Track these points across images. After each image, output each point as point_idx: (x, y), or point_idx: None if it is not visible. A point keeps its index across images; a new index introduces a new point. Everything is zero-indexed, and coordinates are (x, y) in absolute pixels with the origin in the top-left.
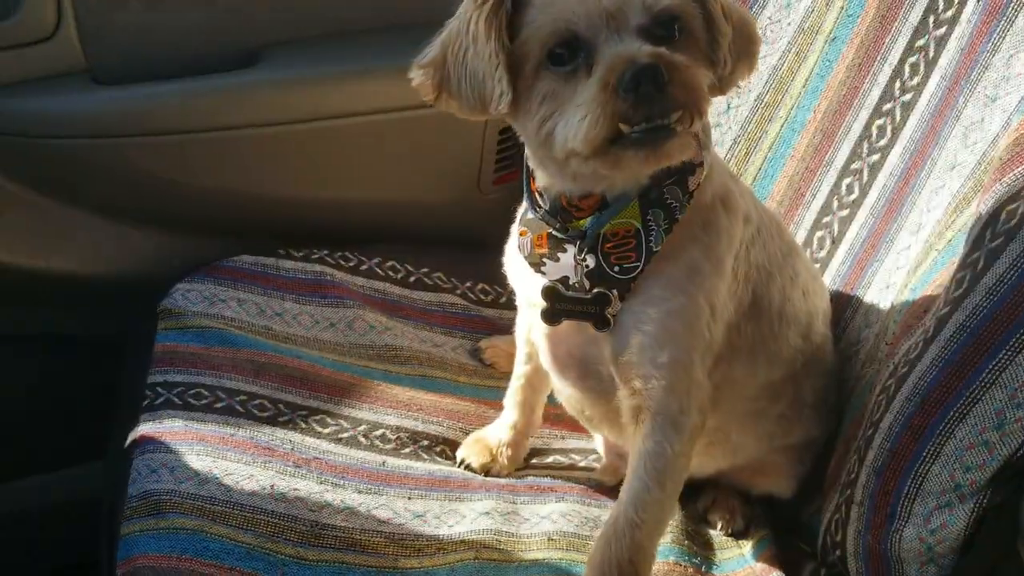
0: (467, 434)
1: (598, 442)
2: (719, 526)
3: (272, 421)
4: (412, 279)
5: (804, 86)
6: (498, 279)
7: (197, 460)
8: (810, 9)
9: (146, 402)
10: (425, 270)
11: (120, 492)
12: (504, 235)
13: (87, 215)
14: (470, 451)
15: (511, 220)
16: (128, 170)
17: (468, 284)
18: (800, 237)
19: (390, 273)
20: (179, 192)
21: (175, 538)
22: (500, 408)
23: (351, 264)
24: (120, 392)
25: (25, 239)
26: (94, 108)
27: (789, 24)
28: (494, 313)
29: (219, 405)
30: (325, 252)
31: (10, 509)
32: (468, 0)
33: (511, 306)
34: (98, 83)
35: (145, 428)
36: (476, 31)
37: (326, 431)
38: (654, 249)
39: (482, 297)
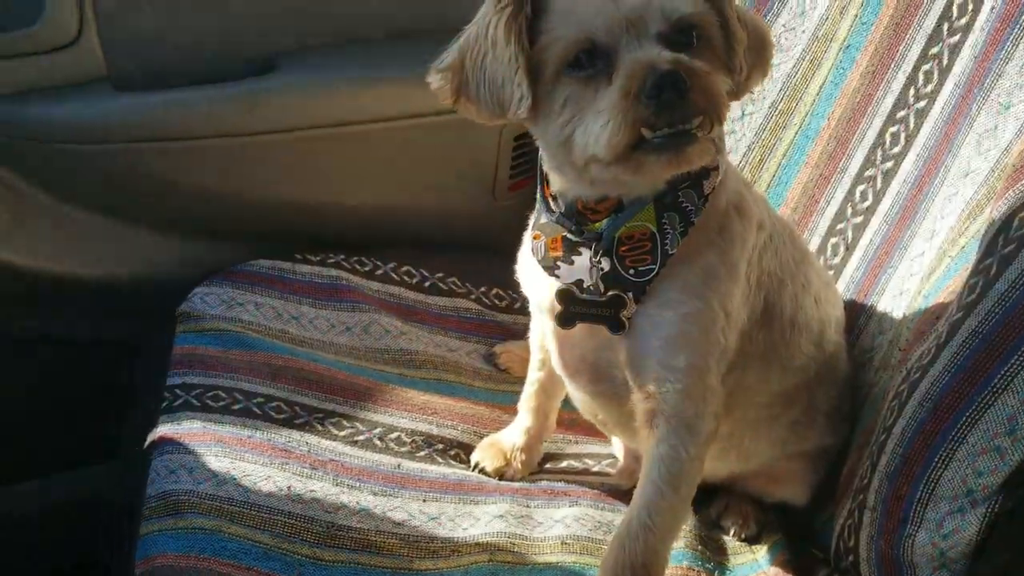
0: (481, 438)
1: (616, 445)
2: (732, 531)
3: (289, 423)
4: (427, 284)
5: (818, 93)
6: (512, 284)
7: (215, 461)
8: (824, 17)
9: (164, 404)
10: (440, 275)
11: (138, 492)
12: (518, 241)
13: (106, 220)
14: (484, 455)
15: (525, 226)
16: (147, 176)
17: (482, 289)
18: (814, 244)
19: (405, 278)
20: (197, 198)
21: (194, 538)
22: (514, 412)
23: (366, 269)
24: (135, 395)
25: (45, 243)
26: (114, 114)
27: (803, 32)
28: (508, 318)
29: (237, 407)
30: (341, 257)
31: (17, 510)
32: (488, 5)
33: (525, 311)
34: (118, 90)
35: (163, 429)
36: (496, 36)
37: (342, 434)
38: (670, 252)
39: (496, 302)
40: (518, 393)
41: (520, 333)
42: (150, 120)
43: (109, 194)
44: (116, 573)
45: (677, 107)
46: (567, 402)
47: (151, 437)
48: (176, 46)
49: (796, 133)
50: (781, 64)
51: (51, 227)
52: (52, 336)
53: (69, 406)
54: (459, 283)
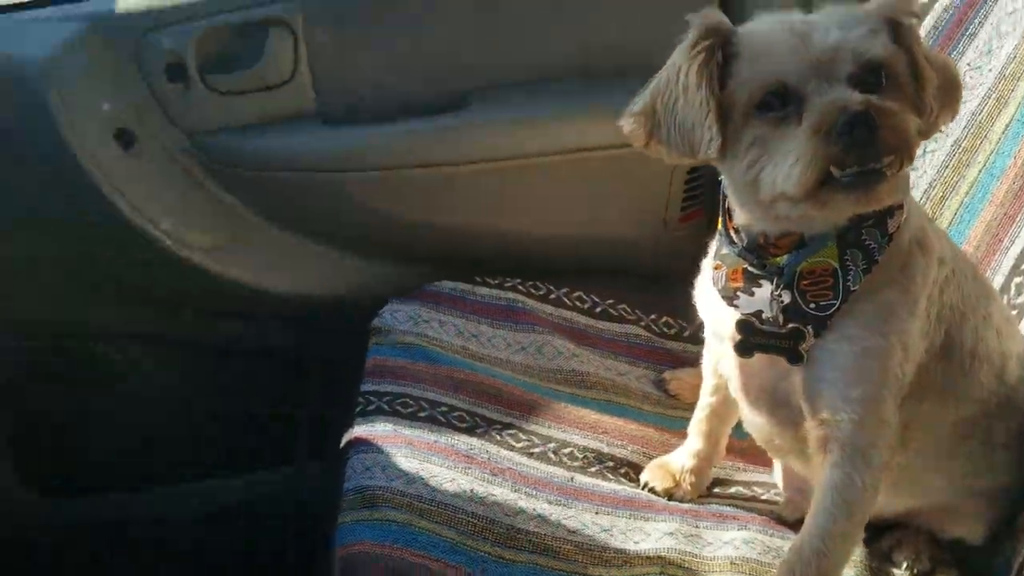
0: (650, 459)
1: (777, 477)
2: (904, 566)
3: (470, 432)
4: (598, 309)
5: (1004, 132)
6: (682, 313)
7: (405, 461)
8: (1012, 56)
9: (359, 408)
10: (611, 301)
11: (338, 486)
12: (688, 271)
13: (311, 242)
14: (654, 475)
15: (695, 256)
16: (347, 202)
17: (652, 317)
18: (997, 282)
19: (577, 303)
20: (391, 222)
21: (387, 529)
22: (683, 437)
23: (541, 293)
24: (336, 399)
25: (257, 261)
26: (321, 146)
27: (990, 70)
28: (677, 346)
29: (423, 414)
30: (518, 281)
31: (229, 502)
32: (679, 52)
33: (695, 340)
34: (326, 124)
35: (359, 431)
36: (687, 82)
37: (518, 445)
38: (851, 288)
39: (665, 330)
40: (686, 419)
41: (689, 361)
42: (353, 151)
43: (313, 218)
44: (318, 561)
45: (867, 145)
46: (736, 430)
47: (347, 437)
48: (378, 84)
49: (980, 171)
50: (966, 102)
51: (262, 246)
52: (263, 346)
53: (275, 409)
54: (629, 310)
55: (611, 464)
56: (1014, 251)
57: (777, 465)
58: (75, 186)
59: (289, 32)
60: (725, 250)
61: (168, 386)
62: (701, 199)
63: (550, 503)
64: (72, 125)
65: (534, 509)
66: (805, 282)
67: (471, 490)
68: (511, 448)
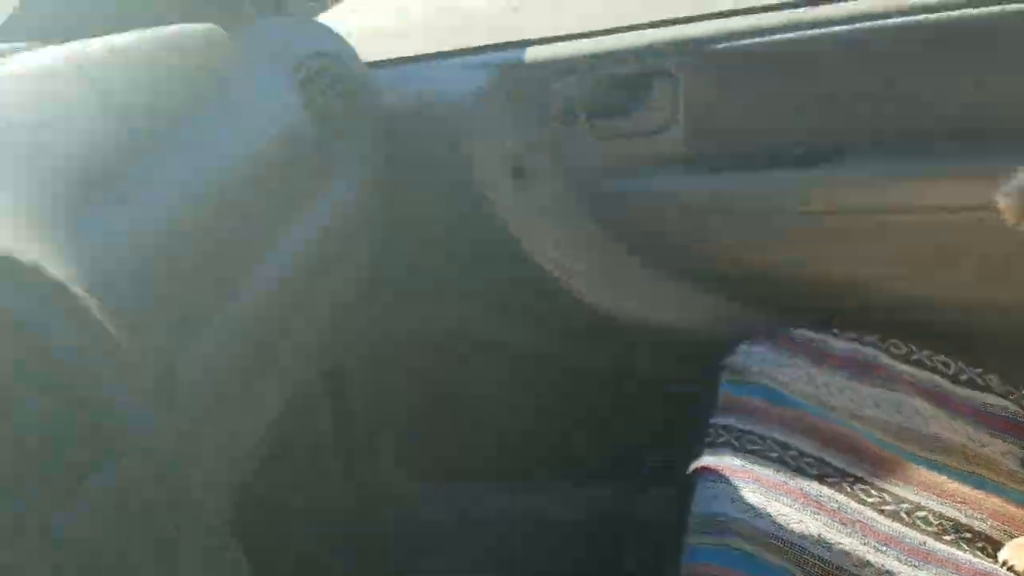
0: (1011, 537)
1: None
2: None
3: (820, 479)
4: (963, 377)
5: None
6: None
7: (752, 496)
8: None
9: (708, 439)
10: (978, 370)
11: (685, 508)
12: None
13: (668, 276)
14: (1015, 554)
15: None
16: (709, 243)
17: None
18: None
19: (940, 367)
20: (748, 265)
21: (736, 556)
22: None
23: (902, 352)
24: (686, 428)
25: (620, 290)
26: (688, 189)
27: None
28: None
29: (772, 454)
30: (877, 336)
31: (558, 514)
32: None
33: None
34: (694, 168)
35: (707, 460)
36: None
37: (870, 500)
38: None
39: None
40: None
41: None
42: (719, 196)
43: (674, 255)
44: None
45: None
46: None
47: (695, 464)
48: (747, 135)
49: None
50: None
51: (625, 276)
52: (613, 368)
53: (616, 429)
54: (999, 382)
55: (968, 536)
56: None
57: None
58: (472, 209)
59: (671, 82)
60: None
61: (518, 394)
62: None
63: (900, 562)
64: (479, 158)
65: (882, 565)
66: None
67: (818, 535)
68: (861, 502)
